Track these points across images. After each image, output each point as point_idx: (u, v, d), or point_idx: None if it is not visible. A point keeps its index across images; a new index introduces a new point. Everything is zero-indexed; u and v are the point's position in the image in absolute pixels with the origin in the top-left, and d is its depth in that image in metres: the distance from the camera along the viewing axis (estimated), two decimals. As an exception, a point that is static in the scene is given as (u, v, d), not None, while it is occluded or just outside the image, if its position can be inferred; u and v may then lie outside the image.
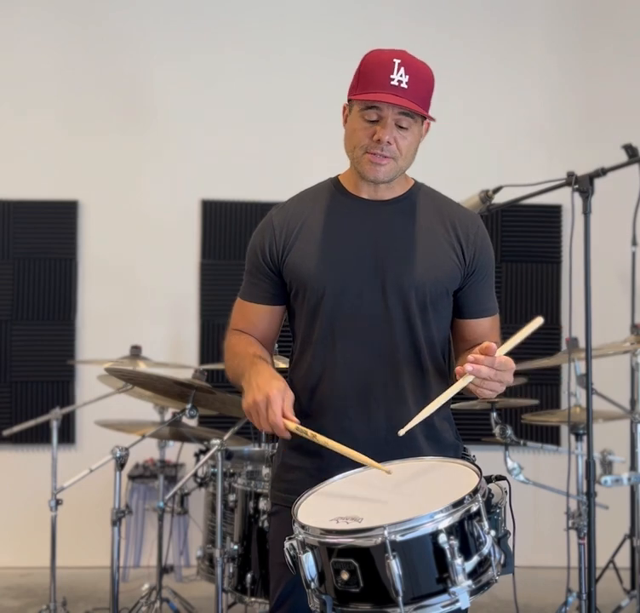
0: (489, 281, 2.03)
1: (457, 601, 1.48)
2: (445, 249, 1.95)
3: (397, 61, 1.83)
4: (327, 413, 1.90)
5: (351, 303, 1.91)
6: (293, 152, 4.68)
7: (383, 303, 1.91)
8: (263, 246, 1.98)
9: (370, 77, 1.85)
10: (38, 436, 4.41)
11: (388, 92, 1.82)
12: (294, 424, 1.75)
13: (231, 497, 3.11)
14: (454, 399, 1.92)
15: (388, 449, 1.85)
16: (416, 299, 1.91)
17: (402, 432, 1.69)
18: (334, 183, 2.03)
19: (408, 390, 1.91)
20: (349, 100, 1.92)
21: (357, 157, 1.90)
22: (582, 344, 2.79)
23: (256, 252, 2.00)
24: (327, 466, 1.83)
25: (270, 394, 1.75)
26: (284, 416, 1.74)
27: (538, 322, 1.75)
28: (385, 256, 1.92)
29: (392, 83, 1.82)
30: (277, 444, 2.10)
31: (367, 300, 1.91)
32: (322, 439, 1.73)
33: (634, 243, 4.06)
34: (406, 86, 1.82)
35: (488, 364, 1.69)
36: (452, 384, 1.99)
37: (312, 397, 1.93)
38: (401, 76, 1.82)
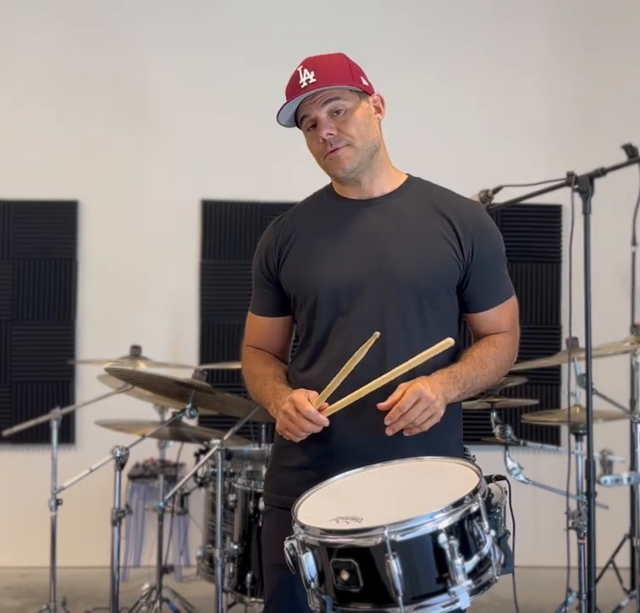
0: (495, 270, 1.97)
1: (457, 601, 1.48)
2: (441, 242, 1.91)
3: (300, 68, 1.90)
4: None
5: (345, 304, 1.90)
6: (293, 153, 4.65)
7: (377, 302, 1.89)
8: (262, 258, 2.03)
9: (286, 95, 1.94)
10: (38, 436, 4.41)
11: (298, 94, 1.88)
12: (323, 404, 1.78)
13: (231, 497, 3.11)
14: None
15: (383, 451, 1.84)
16: (411, 296, 1.88)
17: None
18: (327, 190, 2.05)
19: None
20: (299, 128, 1.97)
21: (324, 166, 1.94)
22: (582, 344, 2.78)
23: (257, 265, 2.05)
24: (317, 465, 1.85)
25: (293, 397, 1.80)
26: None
27: (448, 343, 1.76)
28: (379, 256, 1.90)
29: (302, 85, 1.88)
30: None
31: (360, 300, 1.90)
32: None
33: (634, 243, 4.06)
34: (314, 79, 1.86)
35: (399, 415, 1.73)
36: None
37: None
38: (306, 75, 1.88)
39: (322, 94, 1.87)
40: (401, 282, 1.88)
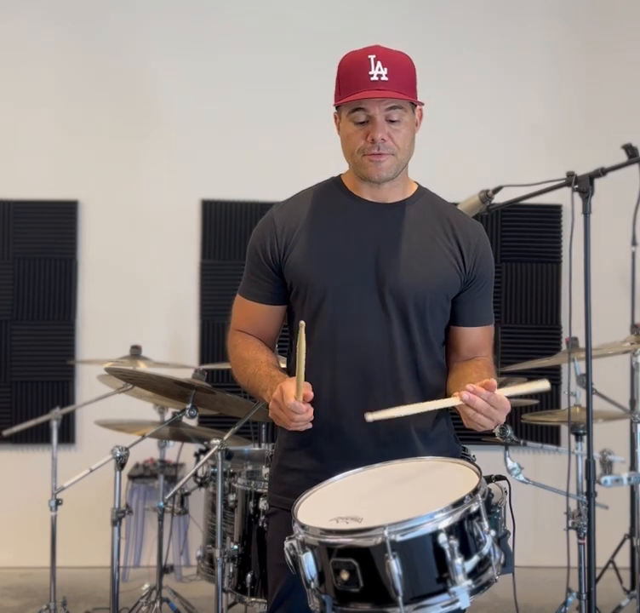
0: (487, 291, 2.03)
1: (457, 601, 1.48)
2: (446, 256, 1.95)
3: (372, 57, 1.84)
4: (325, 413, 1.89)
5: (351, 305, 1.91)
6: (293, 152, 4.68)
7: (381, 307, 1.91)
8: (264, 244, 1.97)
9: (350, 78, 1.86)
10: (38, 436, 4.41)
11: (370, 88, 1.82)
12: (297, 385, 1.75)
13: (231, 497, 3.11)
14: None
15: (385, 450, 1.85)
16: (415, 305, 1.91)
17: (370, 418, 1.69)
18: (337, 183, 2.02)
19: (405, 391, 1.91)
20: (337, 108, 1.92)
21: (357, 162, 1.91)
22: (582, 344, 2.78)
23: (257, 251, 1.99)
24: (326, 468, 1.83)
25: (282, 385, 1.78)
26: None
27: (544, 385, 1.76)
28: (386, 261, 1.91)
29: (372, 79, 1.82)
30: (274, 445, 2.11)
31: (366, 303, 1.91)
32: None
33: (634, 243, 4.07)
34: (387, 78, 1.82)
35: (484, 398, 1.71)
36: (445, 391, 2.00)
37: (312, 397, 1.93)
38: (379, 70, 1.82)
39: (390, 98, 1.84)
40: (408, 289, 1.91)
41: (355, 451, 1.87)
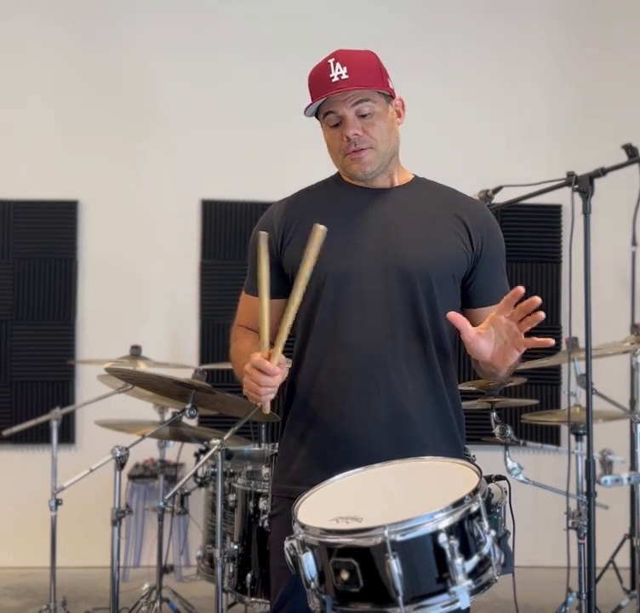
0: (500, 267, 2.02)
1: (457, 601, 1.47)
2: (450, 234, 1.94)
3: (331, 61, 1.88)
4: (327, 398, 1.89)
5: (353, 288, 1.90)
6: (293, 152, 4.68)
7: (385, 288, 1.90)
8: None
9: (314, 86, 1.90)
10: (38, 436, 4.41)
11: (331, 90, 1.85)
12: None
13: (231, 497, 3.11)
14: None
15: (389, 433, 1.86)
16: (420, 283, 1.90)
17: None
18: (334, 178, 2.05)
19: (408, 375, 1.90)
20: (317, 118, 1.96)
21: (341, 163, 1.95)
22: (582, 344, 2.78)
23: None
24: (330, 454, 1.85)
25: (252, 356, 1.75)
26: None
27: (320, 230, 1.73)
28: (388, 241, 1.91)
29: (333, 80, 1.86)
30: (277, 444, 2.11)
31: (369, 285, 1.90)
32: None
33: (634, 243, 4.07)
34: (347, 76, 1.85)
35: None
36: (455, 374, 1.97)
37: (314, 382, 1.93)
38: (339, 70, 1.86)
39: (354, 93, 1.86)
40: (411, 268, 1.90)
41: (357, 435, 1.87)
